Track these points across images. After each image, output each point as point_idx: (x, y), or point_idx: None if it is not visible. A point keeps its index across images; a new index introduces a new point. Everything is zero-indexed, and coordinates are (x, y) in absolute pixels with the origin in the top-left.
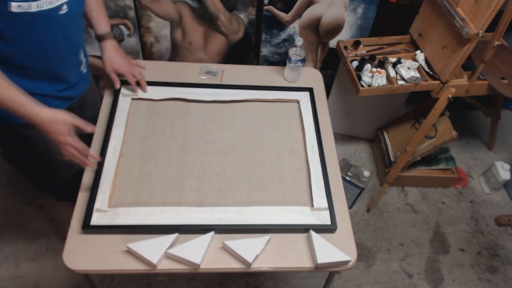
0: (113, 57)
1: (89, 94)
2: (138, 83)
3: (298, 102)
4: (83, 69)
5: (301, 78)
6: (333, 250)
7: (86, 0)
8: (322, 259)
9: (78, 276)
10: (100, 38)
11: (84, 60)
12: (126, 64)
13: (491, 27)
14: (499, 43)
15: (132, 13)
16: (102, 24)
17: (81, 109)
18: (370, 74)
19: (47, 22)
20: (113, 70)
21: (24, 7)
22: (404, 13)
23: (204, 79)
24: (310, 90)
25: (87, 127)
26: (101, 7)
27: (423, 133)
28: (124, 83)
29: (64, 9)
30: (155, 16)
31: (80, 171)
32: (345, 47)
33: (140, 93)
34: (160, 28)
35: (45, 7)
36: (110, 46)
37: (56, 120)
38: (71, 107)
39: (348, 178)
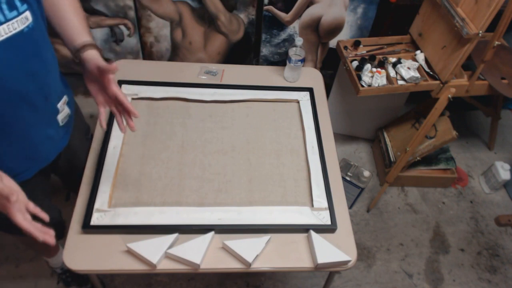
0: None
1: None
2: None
3: (298, 102)
4: (61, 121)
5: (301, 78)
6: (333, 250)
7: (57, 11)
8: (322, 259)
9: None
10: (81, 50)
11: (67, 112)
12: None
13: (491, 27)
14: (499, 43)
15: (132, 13)
16: (84, 33)
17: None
18: (370, 74)
19: None
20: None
21: None
22: (404, 13)
23: (204, 79)
24: (310, 90)
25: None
26: (80, 16)
27: (423, 133)
28: (124, 82)
29: None
30: (155, 16)
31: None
32: (345, 47)
33: (140, 92)
34: (160, 28)
35: None
36: (98, 55)
37: None
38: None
39: (348, 178)
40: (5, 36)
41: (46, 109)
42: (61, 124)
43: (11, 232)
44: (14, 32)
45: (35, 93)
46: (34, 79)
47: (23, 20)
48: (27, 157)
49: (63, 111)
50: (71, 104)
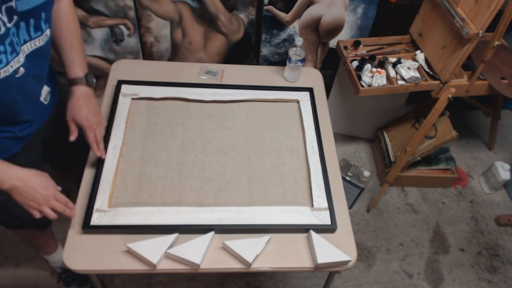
0: (80, 107)
1: (56, 114)
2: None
3: (298, 102)
4: (44, 100)
5: (301, 78)
6: (333, 250)
7: (56, 39)
8: (322, 259)
9: None
10: (70, 83)
11: (47, 90)
12: (91, 119)
13: (491, 27)
14: (499, 43)
15: (132, 13)
16: (74, 66)
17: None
18: (370, 74)
19: (3, 87)
20: (73, 120)
21: None
22: (404, 13)
23: (204, 79)
24: (310, 90)
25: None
26: (75, 48)
27: (423, 133)
28: (124, 82)
29: (21, 71)
30: (155, 16)
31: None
32: (345, 47)
33: (140, 92)
34: (160, 28)
35: (1, 76)
36: (80, 93)
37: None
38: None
39: (348, 178)
40: (22, 72)
41: (38, 97)
42: (45, 102)
43: (23, 227)
44: (42, 43)
45: (38, 91)
46: (41, 82)
47: (44, 38)
48: (23, 135)
49: (46, 91)
50: (52, 81)
